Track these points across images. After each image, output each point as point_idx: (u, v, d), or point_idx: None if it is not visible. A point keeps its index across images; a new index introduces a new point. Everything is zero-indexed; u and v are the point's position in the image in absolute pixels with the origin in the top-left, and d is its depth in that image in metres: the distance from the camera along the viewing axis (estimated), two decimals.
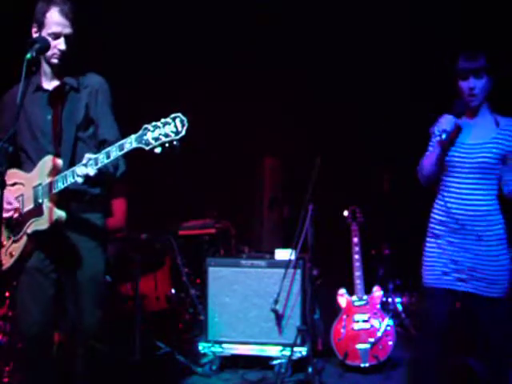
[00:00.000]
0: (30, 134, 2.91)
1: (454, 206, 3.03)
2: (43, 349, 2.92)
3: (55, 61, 2.86)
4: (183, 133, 2.54)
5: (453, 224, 3.03)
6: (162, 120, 2.57)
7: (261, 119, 5.95)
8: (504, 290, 3.00)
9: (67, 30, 2.83)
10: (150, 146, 2.57)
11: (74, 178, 2.71)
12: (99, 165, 2.68)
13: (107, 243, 3.10)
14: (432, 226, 3.15)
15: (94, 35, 4.61)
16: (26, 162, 2.95)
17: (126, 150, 2.63)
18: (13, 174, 2.89)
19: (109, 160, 2.67)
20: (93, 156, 2.69)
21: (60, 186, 2.76)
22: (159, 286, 4.87)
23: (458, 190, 3.02)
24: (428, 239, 3.16)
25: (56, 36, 2.81)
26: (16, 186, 2.91)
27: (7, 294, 3.90)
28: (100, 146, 2.97)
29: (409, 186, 5.62)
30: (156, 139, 2.56)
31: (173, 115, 2.56)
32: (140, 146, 2.59)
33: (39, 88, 2.94)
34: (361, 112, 5.77)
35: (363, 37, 5.59)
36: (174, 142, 2.56)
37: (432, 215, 3.16)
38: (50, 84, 2.95)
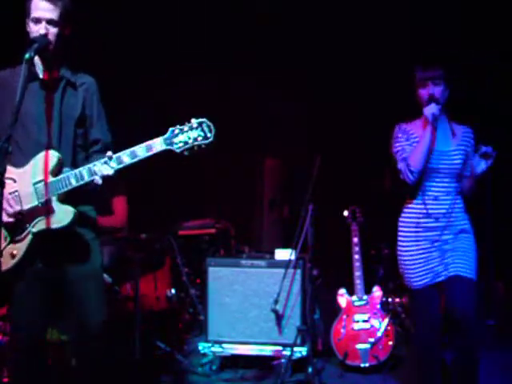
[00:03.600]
0: (22, 125, 2.78)
1: (432, 207, 3.29)
2: (38, 350, 2.88)
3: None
4: (212, 138, 2.66)
5: (431, 223, 3.28)
6: (188, 124, 2.67)
7: (261, 119, 5.94)
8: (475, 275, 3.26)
9: (49, 15, 2.76)
10: (180, 149, 2.66)
11: (91, 175, 2.69)
12: (122, 164, 2.69)
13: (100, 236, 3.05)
14: (407, 230, 3.36)
15: (94, 35, 4.62)
16: (14, 155, 2.75)
17: (154, 152, 2.68)
18: None
19: (133, 160, 2.69)
20: (114, 155, 2.69)
21: (73, 183, 2.71)
22: (159, 286, 4.87)
23: (434, 194, 3.29)
24: (403, 244, 3.36)
25: (37, 21, 2.77)
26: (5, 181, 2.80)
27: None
28: (91, 145, 2.94)
29: (409, 186, 5.65)
30: (185, 143, 2.65)
31: (198, 120, 2.67)
32: (170, 148, 2.67)
33: (35, 78, 2.85)
34: (361, 112, 5.77)
35: (363, 36, 5.59)
36: (203, 146, 2.66)
37: (406, 220, 3.37)
38: (47, 76, 2.88)
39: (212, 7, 5.54)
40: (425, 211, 3.29)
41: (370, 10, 5.50)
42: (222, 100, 5.77)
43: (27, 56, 2.60)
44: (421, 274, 3.29)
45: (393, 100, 5.58)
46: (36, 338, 2.86)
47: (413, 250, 3.32)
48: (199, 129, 2.65)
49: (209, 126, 2.66)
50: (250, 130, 5.97)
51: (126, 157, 2.69)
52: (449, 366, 3.38)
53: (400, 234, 3.40)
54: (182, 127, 2.66)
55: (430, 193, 3.30)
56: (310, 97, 5.88)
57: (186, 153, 2.67)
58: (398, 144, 3.37)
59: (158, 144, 2.67)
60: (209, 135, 2.65)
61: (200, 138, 2.65)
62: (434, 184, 3.30)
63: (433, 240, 3.28)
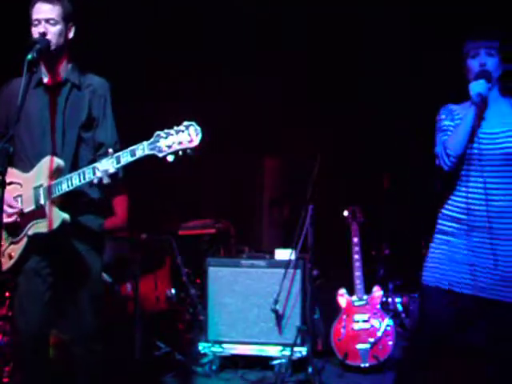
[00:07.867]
0: (28, 131, 2.85)
1: (476, 201, 2.74)
2: (39, 349, 2.89)
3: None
4: (197, 142, 2.52)
5: (472, 222, 2.75)
6: (176, 127, 2.55)
7: (261, 119, 5.94)
8: None
9: (47, 15, 2.78)
10: (163, 154, 2.55)
11: (94, 174, 2.66)
12: (121, 163, 2.64)
13: (104, 244, 3.06)
14: (443, 223, 2.87)
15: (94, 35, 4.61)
16: (21, 160, 2.87)
17: (137, 157, 2.60)
18: (9, 173, 2.75)
19: (119, 165, 2.64)
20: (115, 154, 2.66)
21: (65, 188, 2.71)
22: (159, 285, 4.86)
23: (480, 185, 2.73)
24: (436, 236, 2.89)
25: (37, 22, 2.79)
26: (12, 186, 2.84)
27: (7, 294, 3.90)
28: (97, 148, 2.94)
29: (409, 186, 5.66)
30: (169, 147, 2.54)
31: (186, 123, 2.54)
32: (153, 152, 2.57)
33: (40, 83, 2.88)
34: (360, 112, 5.77)
35: (363, 36, 5.58)
36: (188, 151, 2.54)
37: (444, 212, 2.88)
38: (51, 80, 2.90)
39: (211, 7, 5.54)
40: (464, 205, 2.76)
41: (370, 8, 5.49)
42: (223, 100, 5.77)
43: (29, 57, 2.61)
44: (438, 269, 2.81)
45: (393, 100, 5.61)
46: (37, 337, 2.85)
47: (439, 240, 2.85)
48: (185, 132, 2.53)
49: (195, 130, 2.52)
50: (249, 129, 5.97)
51: (108, 163, 2.65)
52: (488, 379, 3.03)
53: (437, 228, 2.90)
54: (168, 131, 2.56)
55: (471, 183, 2.75)
56: (310, 97, 5.87)
57: (169, 158, 2.55)
58: (438, 125, 2.87)
59: (141, 148, 2.59)
60: (194, 139, 2.52)
61: (185, 143, 2.52)
62: (480, 174, 2.73)
63: (472, 242, 2.74)
